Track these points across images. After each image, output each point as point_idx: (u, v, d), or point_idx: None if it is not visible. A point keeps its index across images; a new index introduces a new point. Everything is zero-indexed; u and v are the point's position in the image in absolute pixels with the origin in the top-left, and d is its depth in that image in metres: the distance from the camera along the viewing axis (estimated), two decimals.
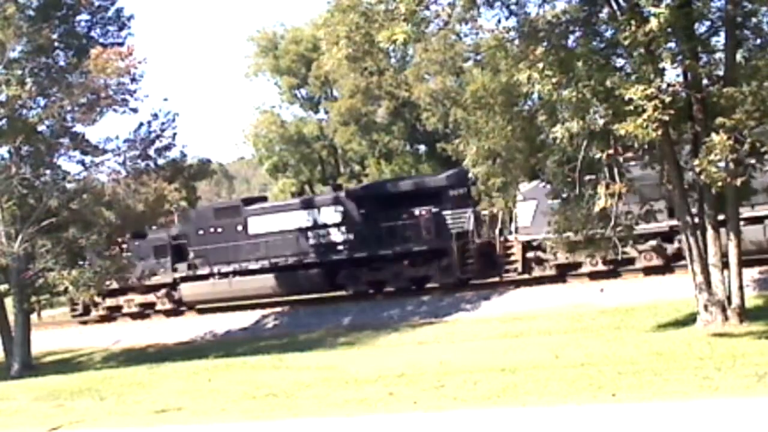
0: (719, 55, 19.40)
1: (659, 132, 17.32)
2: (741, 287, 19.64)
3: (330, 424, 13.50)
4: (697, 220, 19.83)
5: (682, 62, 18.40)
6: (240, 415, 15.01)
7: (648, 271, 28.02)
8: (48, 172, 29.17)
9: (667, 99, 17.22)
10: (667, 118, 17.12)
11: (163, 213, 30.18)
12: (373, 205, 32.57)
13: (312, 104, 56.44)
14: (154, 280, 34.47)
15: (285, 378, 19.06)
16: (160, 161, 29.73)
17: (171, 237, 36.52)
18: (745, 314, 19.47)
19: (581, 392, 13.31)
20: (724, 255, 19.57)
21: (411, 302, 30.79)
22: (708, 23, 19.39)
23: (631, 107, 17.16)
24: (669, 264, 27.80)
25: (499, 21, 19.75)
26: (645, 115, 16.91)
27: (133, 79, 27.77)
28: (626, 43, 17.83)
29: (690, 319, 20.36)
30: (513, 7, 19.60)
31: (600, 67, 18.21)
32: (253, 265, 34.28)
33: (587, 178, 19.36)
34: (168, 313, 36.59)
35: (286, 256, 33.64)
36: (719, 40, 19.47)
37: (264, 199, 41.55)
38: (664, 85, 17.66)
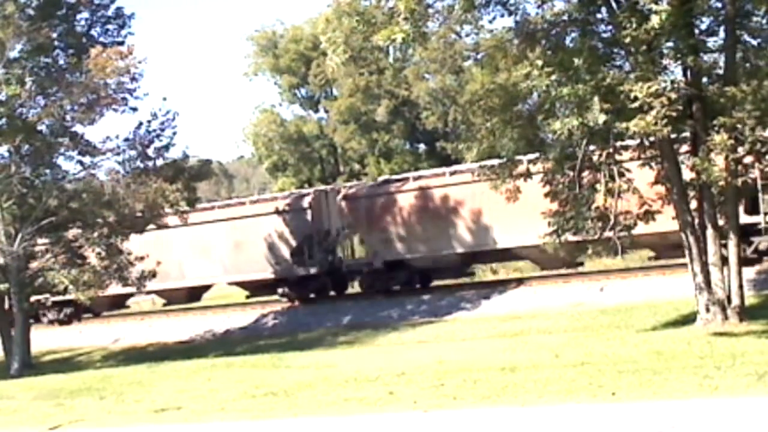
0: (719, 54, 19.39)
1: (668, 128, 17.31)
2: (741, 286, 19.61)
3: (329, 423, 13.49)
4: (696, 219, 19.81)
5: (683, 60, 18.38)
6: (239, 414, 15.00)
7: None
8: (48, 171, 29.10)
9: (673, 96, 17.22)
10: (675, 114, 17.12)
11: (164, 214, 30.02)
12: None
13: (312, 103, 56.50)
14: None
15: (284, 377, 19.04)
16: (160, 161, 29.64)
17: None
18: (745, 313, 19.46)
19: (581, 392, 13.29)
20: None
21: (411, 301, 30.75)
22: (708, 21, 19.36)
23: (636, 105, 17.15)
24: None
25: (495, 18, 19.76)
26: (653, 112, 16.89)
27: (132, 79, 27.64)
28: (627, 41, 17.80)
29: (690, 319, 20.35)
30: (510, 8, 19.57)
31: (602, 64, 18.19)
32: None
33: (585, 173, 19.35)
34: None
35: None
36: (717, 40, 19.46)
37: None
38: (667, 83, 17.64)
